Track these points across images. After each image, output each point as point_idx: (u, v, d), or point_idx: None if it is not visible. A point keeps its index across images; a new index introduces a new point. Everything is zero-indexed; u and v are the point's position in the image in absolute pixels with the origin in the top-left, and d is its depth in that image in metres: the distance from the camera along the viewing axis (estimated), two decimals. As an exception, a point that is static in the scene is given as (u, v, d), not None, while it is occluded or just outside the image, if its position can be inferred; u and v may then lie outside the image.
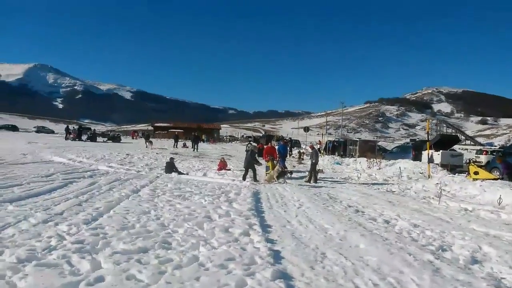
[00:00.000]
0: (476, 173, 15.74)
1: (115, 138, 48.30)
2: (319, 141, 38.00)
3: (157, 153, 28.05)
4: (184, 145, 41.45)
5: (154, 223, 6.85)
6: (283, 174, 14.75)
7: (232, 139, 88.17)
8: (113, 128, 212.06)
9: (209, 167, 19.42)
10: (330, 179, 16.85)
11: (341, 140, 38.98)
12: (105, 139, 47.44)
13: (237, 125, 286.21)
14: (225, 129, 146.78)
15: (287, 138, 44.81)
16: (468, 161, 20.23)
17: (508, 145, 31.94)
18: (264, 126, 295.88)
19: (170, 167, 16.40)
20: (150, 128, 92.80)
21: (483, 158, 25.86)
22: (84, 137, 42.30)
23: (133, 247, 5.31)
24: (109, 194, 9.76)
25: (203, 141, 60.09)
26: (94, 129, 52.80)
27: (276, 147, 19.55)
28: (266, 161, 16.80)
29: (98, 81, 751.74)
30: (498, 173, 16.30)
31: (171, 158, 17.74)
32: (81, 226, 6.24)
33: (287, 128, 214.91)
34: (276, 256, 5.40)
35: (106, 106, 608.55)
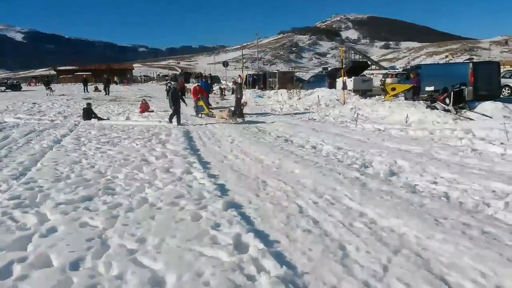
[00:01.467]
0: (393, 89, 17.65)
1: (15, 87, 43.37)
2: (239, 75, 38.00)
3: (67, 100, 26.01)
4: (96, 89, 38.76)
5: (90, 171, 6.67)
6: (234, 114, 14.32)
7: (148, 79, 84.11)
8: (8, 75, 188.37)
9: (130, 111, 18.66)
10: (255, 113, 17.30)
11: (260, 73, 39.36)
12: (3, 88, 42.32)
13: (151, 63, 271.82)
14: (138, 69, 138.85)
15: (207, 75, 44.03)
16: (382, 82, 21.99)
17: (407, 67, 35.24)
18: (179, 63, 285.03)
19: (88, 113, 15.46)
20: (53, 72, 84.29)
21: (389, 81, 28.16)
22: (-25, 87, 37.29)
23: (76, 196, 5.20)
24: (29, 146, 9.09)
25: (116, 83, 56.62)
26: (-14, 78, 46.59)
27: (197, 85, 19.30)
28: (195, 100, 16.53)
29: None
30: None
31: (88, 104, 16.63)
32: (10, 182, 5.89)
33: (203, 64, 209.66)
34: (222, 189, 5.70)
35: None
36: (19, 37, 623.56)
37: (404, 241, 3.79)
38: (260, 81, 33.62)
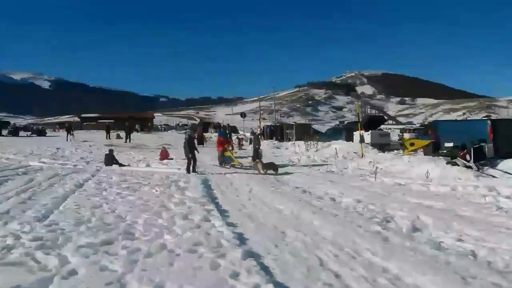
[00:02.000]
0: (412, 144, 17.63)
1: (40, 132, 44.98)
2: (259, 126, 38.65)
3: (90, 146, 26.71)
4: (118, 136, 39.82)
5: (110, 215, 6.73)
6: (269, 166, 13.92)
7: (168, 127, 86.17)
8: (34, 121, 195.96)
9: (150, 157, 19.01)
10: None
11: (277, 124, 40.02)
12: (29, 133, 43.95)
13: (170, 113, 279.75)
14: (159, 118, 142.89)
15: (225, 125, 44.93)
16: (400, 137, 22.00)
17: (425, 122, 35.48)
18: (198, 113, 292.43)
19: (110, 159, 15.81)
20: (77, 119, 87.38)
21: (407, 136, 28.17)
22: (4, 131, 38.82)
23: (96, 240, 5.23)
24: (52, 190, 9.27)
25: (137, 131, 58.11)
26: (14, 123, 48.71)
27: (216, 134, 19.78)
28: (220, 150, 16.26)
29: (10, 69, 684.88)
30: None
31: (110, 150, 17.07)
32: (33, 223, 5.96)
33: (221, 115, 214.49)
34: (240, 238, 5.64)
35: (23, 97, 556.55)
36: (46, 85, 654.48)
37: (431, 300, 3.64)
38: (277, 132, 34.09)
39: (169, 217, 6.74)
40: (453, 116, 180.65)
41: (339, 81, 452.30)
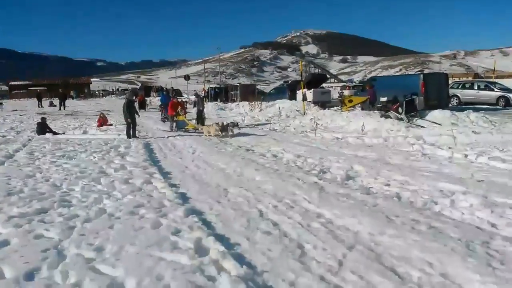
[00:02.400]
0: (350, 100, 18.43)
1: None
2: (203, 88, 38.02)
3: (20, 115, 24.94)
4: (51, 104, 37.40)
5: (45, 184, 6.45)
6: (225, 128, 12.99)
7: (106, 93, 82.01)
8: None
9: (87, 125, 18.16)
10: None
11: (222, 86, 39.58)
12: None
13: (109, 78, 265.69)
14: (96, 83, 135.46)
15: (169, 88, 43.65)
16: (340, 94, 22.76)
17: (364, 79, 36.77)
18: (139, 77, 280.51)
19: (43, 128, 14.90)
20: (5, 88, 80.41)
21: (346, 93, 29.15)
22: None
23: (30, 209, 5.03)
24: (-22, 162, 8.65)
25: (73, 98, 54.83)
26: None
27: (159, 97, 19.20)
28: (171, 116, 15.32)
29: None
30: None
31: (42, 118, 16.04)
32: (-42, 197, 5.58)
33: (164, 78, 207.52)
34: (183, 197, 5.70)
35: None
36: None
37: (358, 238, 3.97)
38: (222, 94, 33.81)
39: (108, 182, 6.60)
40: (390, 72, 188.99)
41: (284, 41, 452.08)
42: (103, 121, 17.72)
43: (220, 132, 12.84)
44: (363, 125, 12.92)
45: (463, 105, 21.63)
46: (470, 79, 52.88)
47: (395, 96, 14.48)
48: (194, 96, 22.13)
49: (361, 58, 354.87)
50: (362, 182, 6.33)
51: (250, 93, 29.80)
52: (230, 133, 12.97)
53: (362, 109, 17.56)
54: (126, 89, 73.48)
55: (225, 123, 13.34)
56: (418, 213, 4.62)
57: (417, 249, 3.60)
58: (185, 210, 4.92)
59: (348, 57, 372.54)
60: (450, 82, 23.46)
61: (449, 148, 8.94)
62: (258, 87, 43.80)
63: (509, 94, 21.30)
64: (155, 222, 4.54)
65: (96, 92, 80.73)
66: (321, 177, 6.73)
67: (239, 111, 23.56)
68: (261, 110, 21.65)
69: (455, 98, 22.80)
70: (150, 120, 19.62)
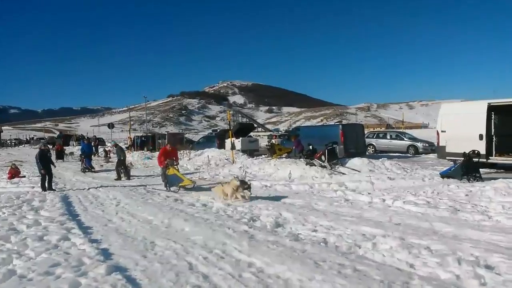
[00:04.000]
0: (280, 149, 19.93)
1: None
2: (129, 137, 36.84)
3: None
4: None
5: None
6: (243, 185, 9.25)
7: (19, 142, 75.67)
8: None
9: (-4, 176, 16.49)
10: (144, 175, 16.78)
11: (149, 135, 38.78)
12: None
13: (23, 126, 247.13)
14: (8, 132, 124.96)
15: (91, 137, 41.63)
16: (270, 143, 23.56)
17: (290, 129, 38.71)
18: (57, 125, 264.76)
19: None
20: None
21: (274, 141, 30.22)
22: None
23: None
24: None
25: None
26: None
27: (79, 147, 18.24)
28: (162, 168, 12.11)
29: None
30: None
31: None
32: None
33: (86, 126, 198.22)
34: (105, 254, 5.32)
35: None
36: None
37: (288, 285, 4.00)
38: (148, 142, 33.05)
39: (19, 240, 5.97)
40: (313, 122, 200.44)
41: (212, 91, 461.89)
42: (14, 173, 16.27)
43: (241, 193, 9.05)
44: (290, 172, 13.39)
45: (379, 153, 23.50)
46: (383, 129, 57.94)
47: (312, 146, 15.44)
48: (113, 146, 21.41)
49: (286, 109, 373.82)
50: (291, 229, 6.45)
51: (178, 142, 29.52)
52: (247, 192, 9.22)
53: (289, 157, 18.26)
54: (43, 138, 68.72)
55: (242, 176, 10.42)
56: (344, 257, 4.80)
57: (345, 293, 3.71)
58: (107, 267, 4.58)
59: (274, 107, 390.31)
60: (365, 132, 25.50)
61: (368, 193, 9.54)
62: (186, 135, 43.65)
63: (417, 143, 23.65)
64: (74, 282, 4.16)
65: (8, 141, 74.14)
66: (251, 225, 6.75)
67: (167, 160, 23.10)
68: (189, 159, 21.46)
69: (371, 146, 24.74)
70: (68, 171, 18.40)
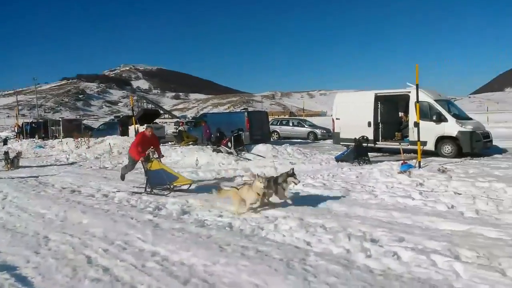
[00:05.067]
0: (187, 136, 19.79)
1: None
2: (16, 123, 33.01)
3: None
4: None
5: None
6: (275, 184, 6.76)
7: None
8: None
9: None
10: (35, 166, 15.27)
11: (40, 121, 35.27)
12: None
13: None
14: None
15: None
16: (177, 130, 23.20)
17: (197, 115, 38.35)
18: None
19: None
20: None
21: (182, 128, 29.73)
22: None
23: None
24: None
25: None
26: None
27: None
28: (136, 160, 8.94)
29: None
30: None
31: None
32: None
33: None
34: (-11, 253, 4.79)
35: None
36: None
37: (193, 271, 4.05)
38: (40, 129, 30.11)
39: None
40: (220, 109, 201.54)
41: (113, 75, 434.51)
42: None
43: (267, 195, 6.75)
44: (197, 159, 13.36)
45: (282, 139, 24.64)
46: (286, 117, 60.71)
47: (221, 132, 15.63)
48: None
49: (193, 96, 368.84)
50: (197, 216, 6.49)
51: (75, 129, 27.42)
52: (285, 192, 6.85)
53: (197, 144, 18.20)
54: None
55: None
56: (247, 240, 5.01)
57: (246, 273, 3.89)
58: (-8, 267, 4.15)
59: (181, 94, 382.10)
60: (270, 119, 26.48)
61: (272, 178, 10.00)
62: (84, 122, 40.66)
63: (316, 130, 25.28)
64: (-52, 288, 3.69)
65: None
66: (156, 214, 6.63)
67: (62, 148, 21.32)
68: (88, 147, 20.10)
69: (275, 133, 25.80)
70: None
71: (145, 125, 11.60)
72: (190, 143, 19.06)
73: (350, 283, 3.65)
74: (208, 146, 15.97)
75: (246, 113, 19.91)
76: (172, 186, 8.40)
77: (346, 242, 4.78)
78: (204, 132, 18.59)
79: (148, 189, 8.51)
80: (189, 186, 8.62)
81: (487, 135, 13.90)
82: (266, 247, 4.68)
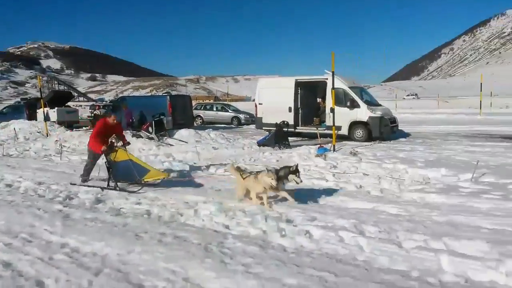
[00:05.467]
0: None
1: None
2: None
3: None
4: None
5: None
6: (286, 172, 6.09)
7: None
8: None
9: None
10: None
11: None
12: None
13: None
14: None
15: None
16: (93, 114, 21.67)
17: (116, 98, 36.04)
18: None
19: None
20: None
21: (98, 113, 27.98)
22: None
23: None
24: None
25: None
26: None
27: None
28: (97, 152, 7.73)
29: None
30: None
31: None
32: None
33: None
34: None
35: None
36: None
37: (106, 261, 3.89)
38: None
39: None
40: (142, 92, 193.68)
41: (19, 52, 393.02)
42: None
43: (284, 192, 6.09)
44: (114, 145, 12.73)
45: (206, 124, 24.49)
46: (211, 101, 60.38)
47: (143, 115, 15.04)
48: None
49: (111, 77, 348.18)
50: (113, 204, 6.22)
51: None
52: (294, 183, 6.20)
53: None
54: None
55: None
56: (166, 226, 4.94)
57: (163, 261, 3.84)
58: None
59: (97, 75, 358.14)
60: (194, 104, 26.12)
61: (194, 163, 9.93)
62: (-15, 104, 36.47)
63: (240, 115, 25.50)
64: None
65: None
66: (66, 204, 6.23)
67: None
68: (-11, 132, 18.09)
69: (199, 118, 25.55)
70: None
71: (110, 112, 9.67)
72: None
73: (265, 262, 3.79)
74: (127, 131, 15.31)
75: (168, 97, 19.38)
76: (143, 182, 7.14)
77: (263, 224, 4.94)
78: (126, 116, 17.75)
79: (112, 184, 7.26)
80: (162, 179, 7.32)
81: (393, 121, 15.17)
82: (184, 233, 4.66)
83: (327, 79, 14.26)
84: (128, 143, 8.26)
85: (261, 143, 12.76)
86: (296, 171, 6.01)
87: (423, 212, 5.39)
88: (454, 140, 14.21)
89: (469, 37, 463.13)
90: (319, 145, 11.28)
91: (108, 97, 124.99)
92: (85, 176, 8.11)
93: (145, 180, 7.13)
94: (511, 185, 6.80)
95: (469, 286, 3.31)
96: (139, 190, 6.92)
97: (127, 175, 7.25)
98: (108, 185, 7.33)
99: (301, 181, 6.14)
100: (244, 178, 6.07)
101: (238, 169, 6.48)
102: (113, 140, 8.16)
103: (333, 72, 11.40)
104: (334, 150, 10.99)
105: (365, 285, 3.30)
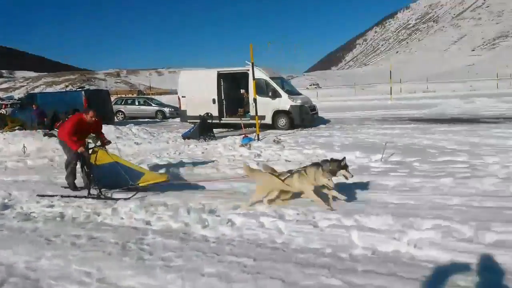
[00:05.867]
0: (12, 121, 16.33)
1: None
2: None
3: None
4: None
5: None
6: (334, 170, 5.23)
7: None
8: None
9: None
10: None
11: None
12: None
13: None
14: None
15: None
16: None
17: (26, 95, 32.80)
18: None
19: None
20: None
21: (4, 112, 25.51)
22: None
23: None
24: None
25: None
26: None
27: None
28: (75, 151, 6.49)
29: None
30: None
31: None
32: None
33: None
34: None
35: None
36: None
37: (12, 270, 3.60)
38: None
39: None
40: (56, 88, 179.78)
41: None
42: None
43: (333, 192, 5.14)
44: (24, 146, 11.76)
45: (128, 119, 23.49)
46: (134, 95, 57.96)
47: (56, 114, 14.03)
48: None
49: (20, 73, 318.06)
50: (22, 209, 5.75)
51: None
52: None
53: (26, 129, 15.89)
54: None
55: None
56: (80, 228, 4.69)
57: (76, 263, 3.65)
58: None
59: (4, 71, 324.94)
60: (113, 98, 24.91)
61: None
62: None
63: (164, 109, 24.84)
64: None
65: None
66: (-36, 212, 5.62)
67: None
68: None
69: (120, 113, 24.43)
70: None
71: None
72: (16, 128, 16.52)
73: (186, 254, 3.78)
74: (39, 130, 14.14)
75: (83, 92, 18.25)
76: (138, 186, 6.12)
77: (185, 216, 4.90)
78: (37, 115, 16.38)
79: (95, 192, 6.18)
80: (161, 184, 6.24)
81: (313, 108, 15.83)
82: (100, 233, 4.47)
83: (248, 70, 14.41)
84: (109, 142, 7.15)
85: (186, 136, 12.58)
86: (346, 166, 5.25)
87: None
88: (368, 124, 15.23)
89: (380, 28, 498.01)
90: (243, 135, 11.42)
91: (18, 94, 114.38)
92: (70, 181, 6.85)
93: (140, 184, 6.14)
94: (415, 162, 7.50)
95: (376, 257, 3.60)
96: (132, 196, 5.95)
97: (115, 180, 6.24)
98: (89, 193, 6.24)
99: (352, 176, 5.30)
100: (283, 180, 5.20)
101: (273, 170, 5.71)
102: (90, 141, 7.26)
103: (252, 63, 11.56)
104: (258, 139, 11.20)
105: (282, 266, 3.44)
